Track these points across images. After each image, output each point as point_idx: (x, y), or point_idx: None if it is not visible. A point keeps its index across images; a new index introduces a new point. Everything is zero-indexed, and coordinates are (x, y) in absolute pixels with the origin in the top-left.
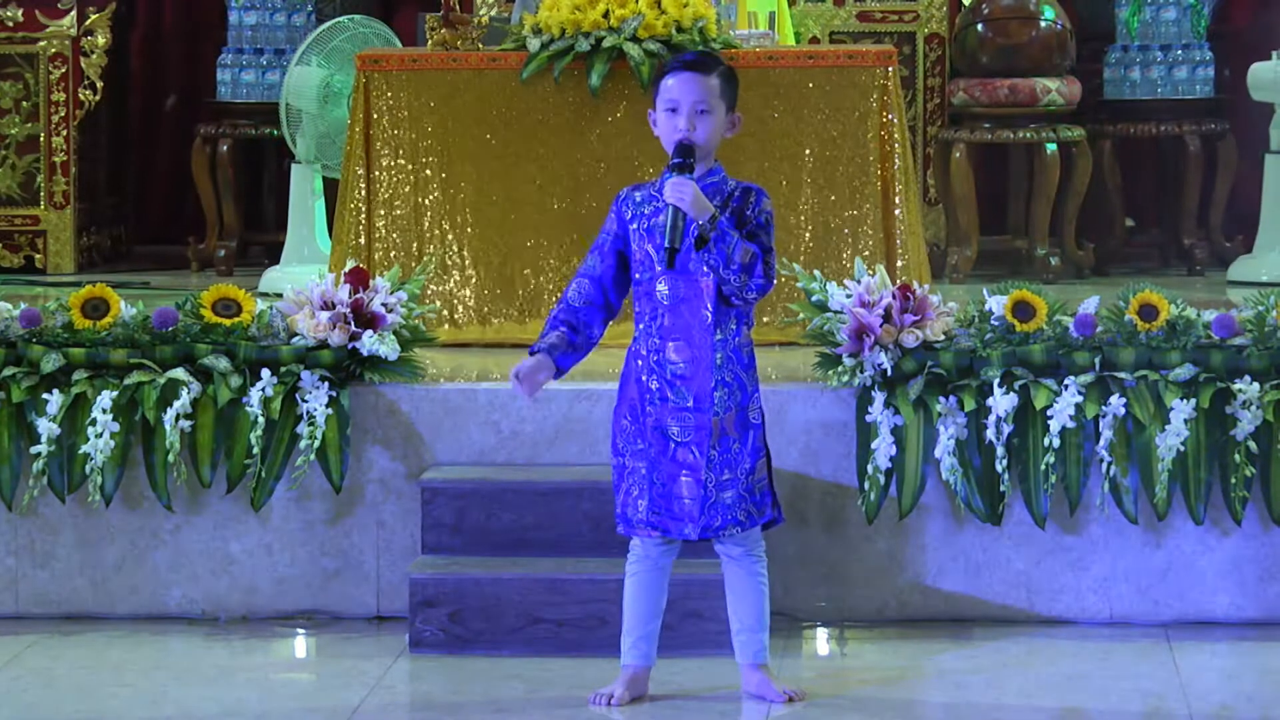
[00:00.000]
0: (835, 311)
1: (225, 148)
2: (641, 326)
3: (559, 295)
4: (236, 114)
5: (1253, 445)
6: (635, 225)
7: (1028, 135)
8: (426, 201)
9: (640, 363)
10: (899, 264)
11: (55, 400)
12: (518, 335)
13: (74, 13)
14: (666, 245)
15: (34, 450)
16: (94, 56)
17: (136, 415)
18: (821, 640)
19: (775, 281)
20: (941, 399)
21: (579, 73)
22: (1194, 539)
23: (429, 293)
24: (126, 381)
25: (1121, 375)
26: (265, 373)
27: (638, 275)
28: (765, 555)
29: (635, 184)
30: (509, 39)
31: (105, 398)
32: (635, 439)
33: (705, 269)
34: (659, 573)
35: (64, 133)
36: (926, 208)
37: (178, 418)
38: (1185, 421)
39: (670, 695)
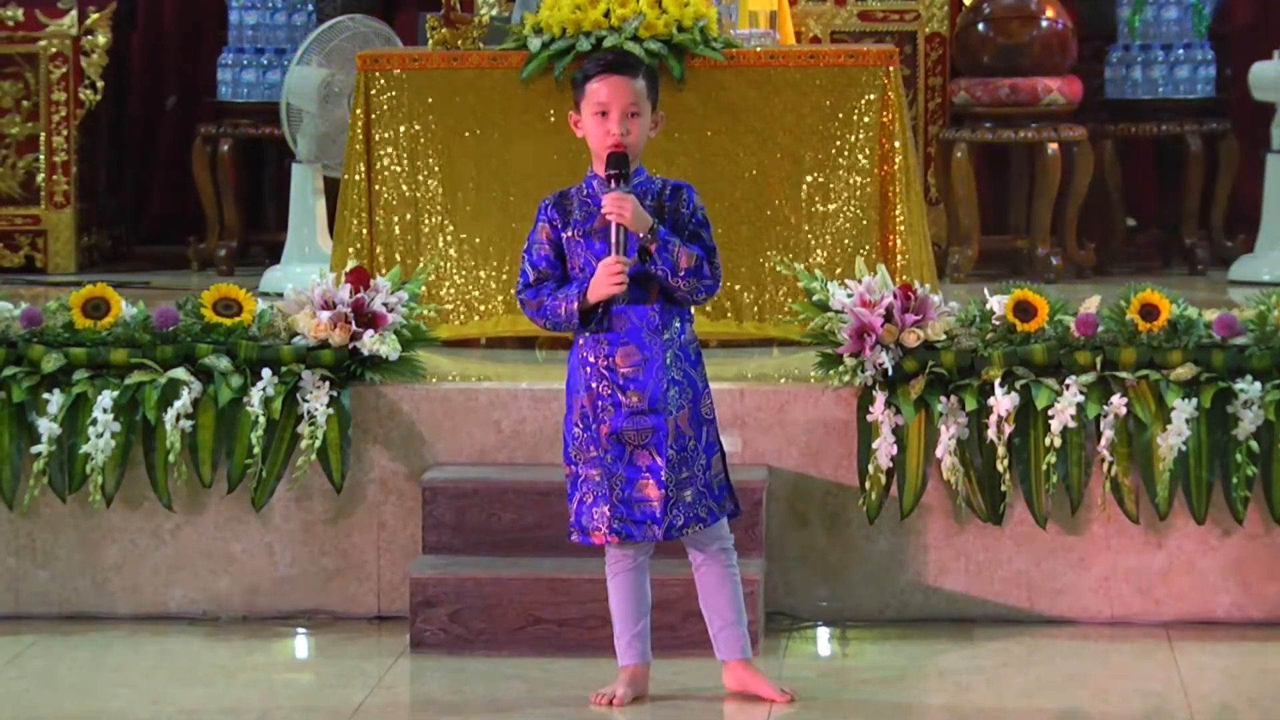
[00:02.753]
0: (836, 311)
1: (226, 147)
2: (587, 333)
3: None
4: (237, 113)
5: (1254, 445)
6: (569, 233)
7: (1029, 135)
8: (427, 201)
9: (589, 370)
10: (900, 263)
11: (56, 400)
12: (519, 332)
13: (74, 12)
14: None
15: (34, 450)
16: (94, 56)
17: (137, 415)
18: (823, 640)
19: (722, 281)
20: (943, 398)
21: None
22: (1195, 539)
23: (430, 291)
24: (127, 381)
25: (1123, 375)
26: (266, 372)
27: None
28: (734, 548)
29: (559, 191)
30: (510, 38)
31: (106, 397)
32: (588, 446)
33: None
34: (638, 572)
35: (64, 132)
36: (928, 207)
37: (178, 417)
38: (1187, 421)
39: (672, 695)
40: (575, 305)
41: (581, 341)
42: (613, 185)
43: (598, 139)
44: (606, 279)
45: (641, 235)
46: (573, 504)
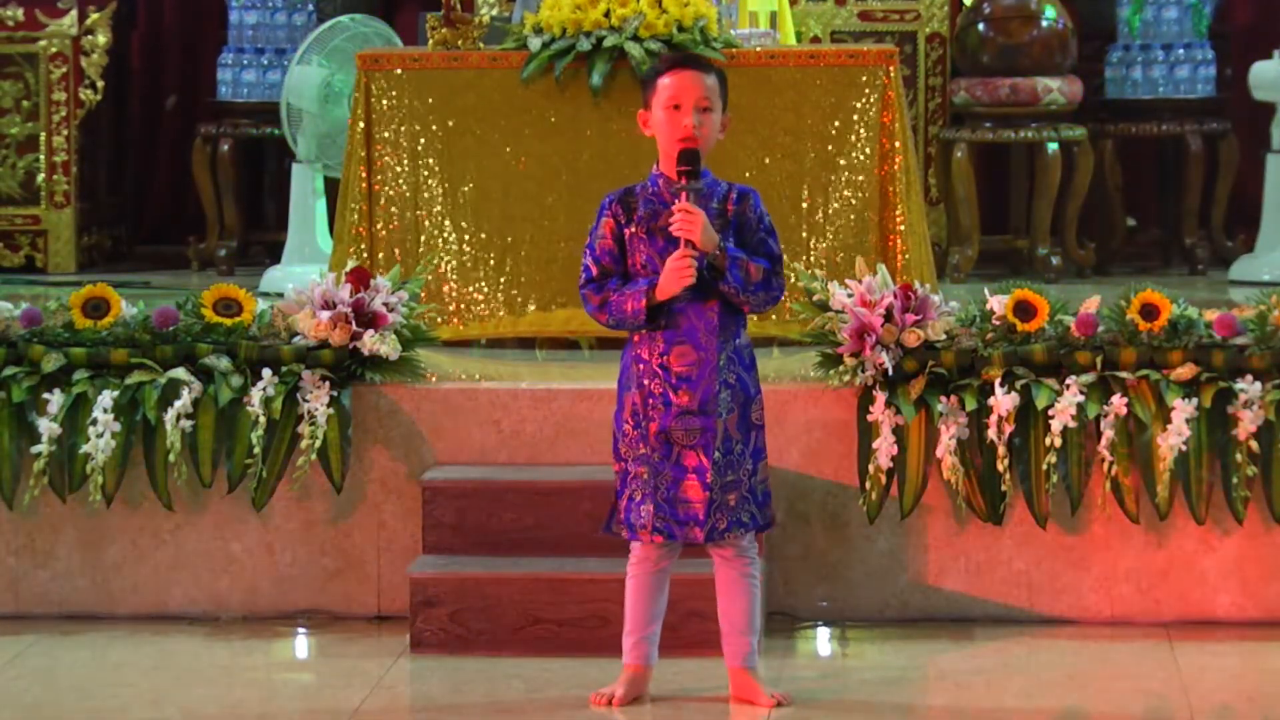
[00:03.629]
0: (836, 311)
1: (226, 147)
2: (641, 332)
3: (561, 293)
4: (237, 113)
5: (1254, 445)
6: (633, 229)
7: (1029, 135)
8: (428, 201)
9: (641, 367)
10: (900, 263)
11: (56, 400)
12: (519, 332)
13: (74, 12)
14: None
15: (35, 450)
16: (94, 56)
17: (137, 415)
18: (823, 640)
19: (785, 289)
20: (943, 398)
21: (580, 72)
22: (1195, 538)
23: (430, 291)
24: (127, 381)
25: (1123, 375)
26: (266, 372)
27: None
28: (758, 557)
29: (623, 187)
30: (510, 38)
31: (106, 397)
32: (638, 444)
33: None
34: (659, 575)
35: (65, 132)
36: (928, 207)
37: (178, 417)
38: (1187, 421)
39: (671, 695)
40: (643, 303)
41: (636, 338)
42: (683, 182)
43: (668, 134)
44: (675, 274)
45: (711, 255)
46: (621, 500)
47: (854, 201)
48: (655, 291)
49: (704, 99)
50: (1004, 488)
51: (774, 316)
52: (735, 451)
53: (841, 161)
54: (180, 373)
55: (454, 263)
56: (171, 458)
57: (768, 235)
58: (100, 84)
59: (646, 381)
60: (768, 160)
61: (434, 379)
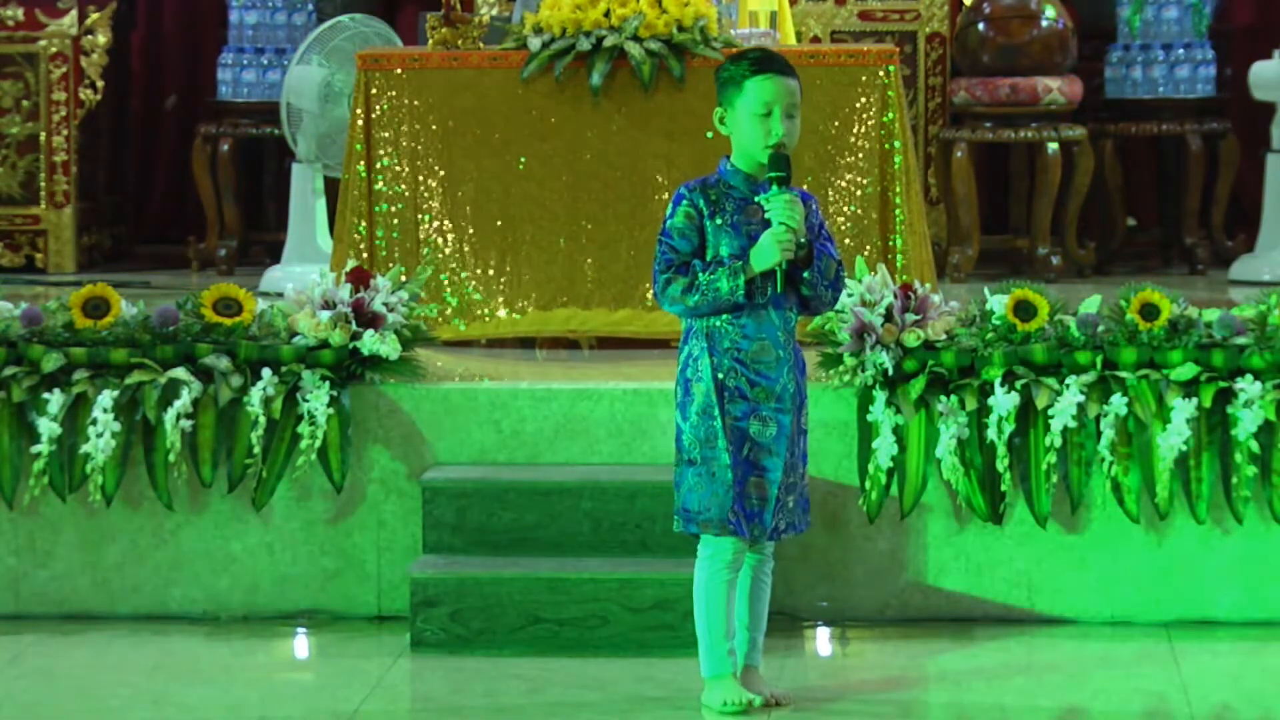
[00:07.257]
0: (836, 310)
1: (226, 147)
2: (717, 323)
3: (561, 293)
4: (237, 113)
5: (1254, 444)
6: (719, 221)
7: (1029, 134)
8: (428, 200)
9: (715, 359)
10: (900, 263)
11: (56, 400)
12: (518, 333)
13: (74, 12)
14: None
15: (35, 450)
16: (94, 56)
17: (137, 415)
18: (823, 640)
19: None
20: (943, 398)
21: (580, 72)
22: (1195, 538)
23: (430, 292)
24: (127, 381)
25: (1123, 374)
26: (266, 372)
27: None
28: (773, 557)
29: (698, 179)
30: (510, 38)
31: (106, 397)
32: (709, 437)
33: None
34: (733, 585)
35: (65, 132)
36: (928, 207)
37: (178, 417)
38: (1187, 421)
39: (671, 695)
40: (741, 279)
41: (708, 331)
42: (777, 188)
43: (753, 138)
44: (776, 245)
45: (801, 242)
46: (680, 490)
47: (854, 201)
48: (750, 266)
49: (791, 105)
50: (1004, 488)
51: None
52: (794, 454)
53: (841, 161)
54: (180, 373)
55: (454, 263)
56: (171, 458)
57: (827, 241)
58: (100, 84)
59: (721, 375)
60: None
61: (434, 379)
